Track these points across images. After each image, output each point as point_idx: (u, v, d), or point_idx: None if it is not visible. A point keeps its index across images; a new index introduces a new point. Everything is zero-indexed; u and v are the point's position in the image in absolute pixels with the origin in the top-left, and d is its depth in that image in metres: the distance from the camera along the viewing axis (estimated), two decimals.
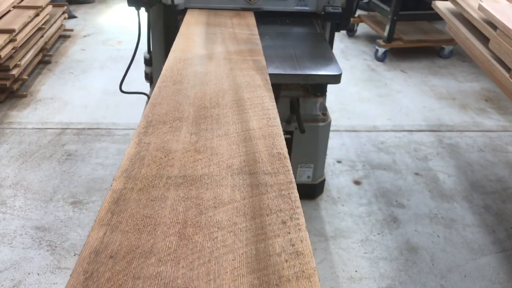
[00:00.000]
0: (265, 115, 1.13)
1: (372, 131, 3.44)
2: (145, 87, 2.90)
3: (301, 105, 2.48)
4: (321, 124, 2.51)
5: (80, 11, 5.73)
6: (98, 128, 3.32)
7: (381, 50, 4.53)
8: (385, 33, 4.48)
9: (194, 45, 1.67)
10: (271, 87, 1.28)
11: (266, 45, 2.03)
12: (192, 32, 1.89)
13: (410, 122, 3.57)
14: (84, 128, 3.32)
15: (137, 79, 3.05)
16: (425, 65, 4.55)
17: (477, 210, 2.69)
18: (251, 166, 0.98)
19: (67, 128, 3.31)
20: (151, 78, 2.72)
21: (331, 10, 2.22)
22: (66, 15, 4.96)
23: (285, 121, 2.49)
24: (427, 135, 3.41)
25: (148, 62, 2.67)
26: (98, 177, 2.83)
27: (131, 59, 2.37)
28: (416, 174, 2.98)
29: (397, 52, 4.68)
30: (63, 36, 4.86)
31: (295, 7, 2.30)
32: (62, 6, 4.82)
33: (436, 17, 4.65)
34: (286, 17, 2.34)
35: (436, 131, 3.46)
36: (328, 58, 1.96)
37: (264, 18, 2.31)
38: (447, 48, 4.63)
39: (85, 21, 5.42)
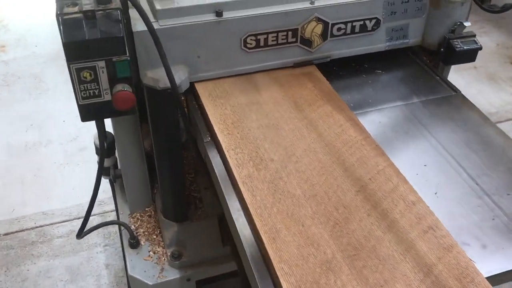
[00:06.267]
0: (420, 219, 0.76)
1: None
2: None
3: None
4: None
5: None
6: (23, 230, 2.08)
7: None
8: None
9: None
10: (376, 143, 0.94)
11: (386, 143, 1.02)
12: None
13: None
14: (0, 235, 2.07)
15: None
16: None
17: None
18: None
19: None
20: (114, 176, 1.55)
21: (466, 47, 1.19)
22: None
23: None
24: None
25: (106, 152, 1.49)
26: None
27: (92, 195, 1.21)
28: None
29: None
30: None
31: (387, 44, 1.24)
32: None
33: None
34: (369, 62, 1.28)
35: None
36: None
37: (334, 68, 1.24)
38: None
39: None
